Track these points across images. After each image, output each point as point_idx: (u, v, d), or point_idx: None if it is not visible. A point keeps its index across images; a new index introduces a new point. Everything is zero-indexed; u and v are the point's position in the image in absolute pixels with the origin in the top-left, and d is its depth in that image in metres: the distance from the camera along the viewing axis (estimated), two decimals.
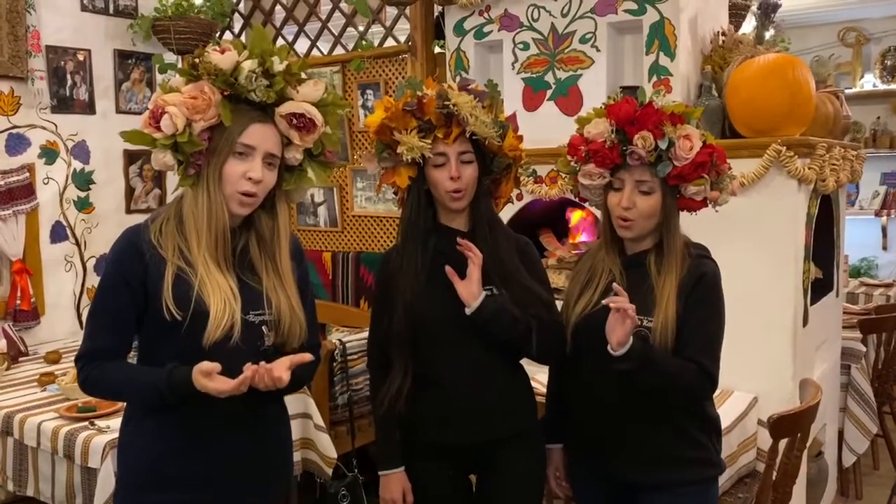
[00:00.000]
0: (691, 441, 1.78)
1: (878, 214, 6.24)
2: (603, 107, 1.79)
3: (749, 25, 3.78)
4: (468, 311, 1.75)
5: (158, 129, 1.52)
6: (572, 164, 1.82)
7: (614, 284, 1.67)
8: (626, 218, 1.75)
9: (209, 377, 1.47)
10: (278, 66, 1.56)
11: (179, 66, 3.82)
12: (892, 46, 6.24)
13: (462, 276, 1.78)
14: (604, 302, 1.62)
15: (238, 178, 1.55)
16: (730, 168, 1.80)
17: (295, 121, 1.58)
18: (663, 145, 1.69)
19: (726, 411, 2.45)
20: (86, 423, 2.34)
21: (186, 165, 1.56)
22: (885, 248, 6.39)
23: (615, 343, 1.61)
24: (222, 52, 1.54)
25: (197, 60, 1.55)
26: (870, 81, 6.32)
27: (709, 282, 1.75)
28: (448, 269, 1.75)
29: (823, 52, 6.31)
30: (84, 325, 1.65)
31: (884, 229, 6.34)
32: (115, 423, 2.19)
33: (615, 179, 1.77)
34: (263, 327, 1.63)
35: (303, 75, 1.61)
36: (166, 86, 1.56)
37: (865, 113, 6.20)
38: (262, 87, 1.54)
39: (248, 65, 1.54)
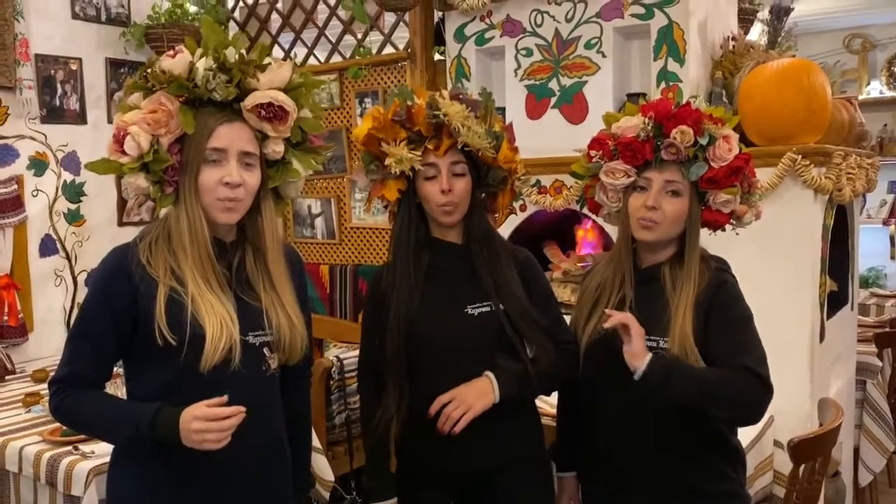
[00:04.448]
0: (717, 473, 1.66)
1: (885, 223, 6.15)
2: (637, 104, 1.72)
3: (755, 32, 3.70)
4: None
5: (124, 153, 1.42)
6: (595, 160, 1.71)
7: (605, 310, 1.57)
8: (649, 219, 1.64)
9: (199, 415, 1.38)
10: (231, 56, 1.45)
11: None
12: None
13: (460, 290, 1.72)
14: (604, 326, 1.51)
15: (215, 186, 1.45)
16: (759, 184, 1.72)
17: (263, 112, 1.47)
18: (703, 141, 1.61)
19: (742, 433, 2.30)
20: (69, 447, 2.23)
21: (162, 185, 1.45)
22: (892, 257, 6.30)
23: (631, 360, 1.49)
24: (174, 55, 1.43)
25: (147, 71, 1.44)
26: (876, 88, 6.24)
27: (730, 290, 1.64)
28: (439, 428, 1.64)
29: (829, 58, 6.22)
30: (63, 348, 1.54)
31: (892, 238, 6.24)
32: (100, 448, 2.10)
33: (641, 178, 1.66)
34: (265, 349, 1.53)
35: (267, 61, 1.50)
36: (125, 106, 1.46)
37: (872, 120, 6.04)
38: (221, 85, 1.43)
39: (203, 63, 1.43)
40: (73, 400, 1.48)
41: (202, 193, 1.46)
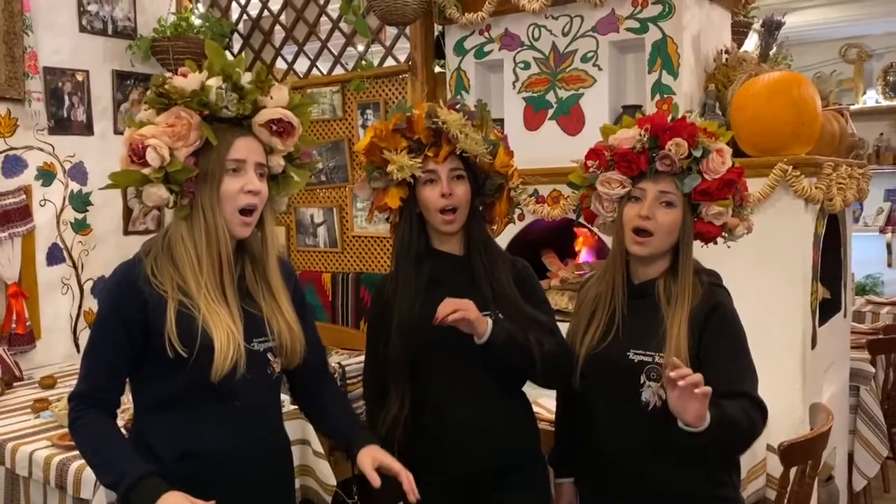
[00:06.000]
0: (715, 479, 1.71)
1: (882, 231, 6.20)
2: (633, 117, 1.77)
3: (751, 43, 3.76)
4: (479, 340, 1.69)
5: (144, 164, 1.48)
6: (592, 170, 1.77)
7: (673, 359, 1.52)
8: (643, 229, 1.68)
9: None
10: (245, 78, 1.54)
11: None
12: (895, 62, 6.22)
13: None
14: (672, 375, 1.45)
15: (236, 194, 1.53)
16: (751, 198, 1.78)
17: (275, 127, 1.57)
18: (697, 153, 1.66)
19: None
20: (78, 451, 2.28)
21: (181, 195, 1.52)
22: (889, 264, 6.35)
23: (692, 420, 1.47)
24: (183, 75, 1.51)
25: (164, 88, 1.51)
26: (872, 98, 6.30)
27: (726, 312, 1.68)
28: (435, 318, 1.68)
29: (825, 68, 6.28)
30: (80, 364, 1.61)
31: (888, 246, 6.30)
32: None
33: (636, 189, 1.71)
34: (269, 354, 1.61)
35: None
36: (135, 121, 1.52)
37: (868, 129, 6.17)
38: (233, 102, 1.52)
39: (215, 82, 1.52)
40: (85, 422, 1.54)
41: (223, 202, 1.53)
